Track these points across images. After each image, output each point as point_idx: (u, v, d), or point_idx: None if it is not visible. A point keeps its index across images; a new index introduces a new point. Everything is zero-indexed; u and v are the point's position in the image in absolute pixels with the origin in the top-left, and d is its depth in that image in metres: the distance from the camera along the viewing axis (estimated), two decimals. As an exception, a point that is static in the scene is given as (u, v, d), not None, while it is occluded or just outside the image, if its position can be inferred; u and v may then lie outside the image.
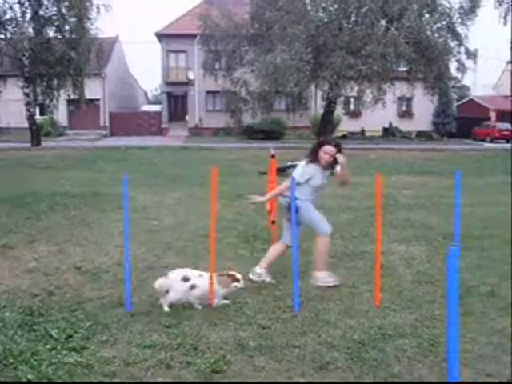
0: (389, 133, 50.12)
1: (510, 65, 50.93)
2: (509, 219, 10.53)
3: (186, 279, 5.66)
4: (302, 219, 6.60)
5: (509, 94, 60.82)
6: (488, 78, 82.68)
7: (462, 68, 36.18)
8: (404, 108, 52.86)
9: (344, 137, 46.23)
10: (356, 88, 35.47)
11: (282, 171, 16.15)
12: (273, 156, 8.79)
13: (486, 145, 45.06)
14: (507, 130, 49.59)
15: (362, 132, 49.66)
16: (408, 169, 21.76)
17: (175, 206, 12.08)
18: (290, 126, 45.15)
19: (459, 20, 35.06)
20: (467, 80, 64.06)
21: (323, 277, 6.53)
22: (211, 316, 5.44)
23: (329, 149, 6.58)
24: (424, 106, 47.95)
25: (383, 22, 34.54)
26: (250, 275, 6.62)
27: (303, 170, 6.63)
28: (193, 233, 9.17)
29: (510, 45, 39.49)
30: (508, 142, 48.24)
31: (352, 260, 7.40)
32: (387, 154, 31.02)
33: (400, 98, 46.41)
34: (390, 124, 50.59)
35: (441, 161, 26.57)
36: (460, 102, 59.58)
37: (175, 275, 5.73)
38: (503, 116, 54.31)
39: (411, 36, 32.31)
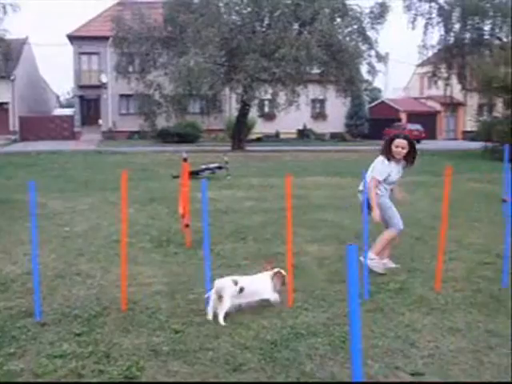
0: (303, 135, 50.85)
1: (418, 68, 52.64)
2: (416, 217, 10.87)
3: (235, 283, 5.67)
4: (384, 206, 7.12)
5: (418, 96, 62.97)
6: (398, 80, 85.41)
7: (372, 71, 37.16)
8: (318, 110, 53.76)
9: (259, 139, 46.63)
10: (270, 91, 35.84)
11: (196, 174, 16.17)
12: (185, 159, 8.76)
13: (397, 145, 46.22)
14: (417, 130, 51.13)
15: (277, 134, 50.14)
16: (322, 170, 22.10)
17: (88, 211, 11.85)
18: (205, 128, 45.20)
19: (369, 24, 35.98)
20: (379, 83, 65.94)
21: (374, 260, 6.96)
22: (124, 322, 5.36)
23: (399, 141, 7.08)
24: (337, 108, 48.85)
25: (296, 26, 35.09)
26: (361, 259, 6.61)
27: (382, 168, 7.06)
28: (105, 238, 9.02)
29: (418, 49, 41.13)
30: (418, 142, 49.77)
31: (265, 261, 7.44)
32: (302, 156, 31.46)
33: (313, 101, 47.32)
34: (305, 126, 51.34)
35: (354, 161, 27.06)
36: (372, 104, 61.05)
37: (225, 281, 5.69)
38: (413, 117, 56.01)
39: (323, 39, 32.89)
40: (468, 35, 39.48)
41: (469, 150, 33.90)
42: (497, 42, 38.98)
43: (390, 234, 7.23)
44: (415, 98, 63.61)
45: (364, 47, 36.14)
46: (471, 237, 9.28)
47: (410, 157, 7.19)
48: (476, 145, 34.47)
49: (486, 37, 39.46)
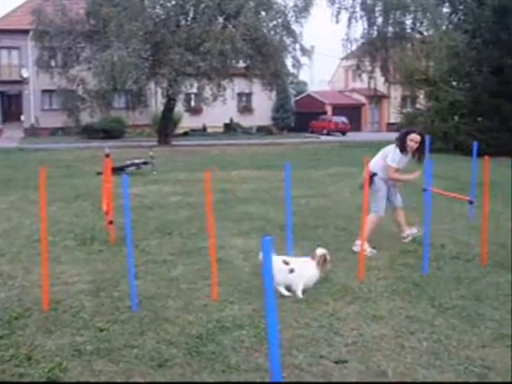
0: (230, 128, 50.86)
1: (343, 61, 53.44)
2: (340, 208, 11.03)
3: (286, 263, 6.02)
4: (374, 189, 7.83)
5: (343, 89, 63.89)
6: (324, 74, 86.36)
7: (297, 64, 37.40)
8: (244, 104, 53.85)
9: (185, 134, 46.39)
10: (196, 85, 35.69)
11: (120, 170, 15.92)
12: (107, 155, 8.63)
13: (324, 137, 46.92)
14: (342, 123, 51.98)
15: (204, 128, 50.00)
16: (248, 163, 22.16)
17: (8, 210, 11.47)
18: (131, 124, 44.64)
19: (294, 18, 36.22)
20: (304, 76, 66.49)
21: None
22: (46, 323, 5.24)
23: (414, 136, 7.84)
24: (263, 102, 48.98)
25: (221, 19, 34.94)
26: (354, 248, 7.69)
27: (397, 157, 7.88)
28: (27, 238, 8.75)
29: (342, 42, 41.78)
30: (343, 134, 50.62)
31: (190, 256, 7.41)
32: (229, 150, 31.48)
33: (240, 94, 47.33)
34: (231, 120, 51.36)
35: (280, 154, 27.28)
36: (298, 98, 61.53)
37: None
38: (338, 110, 56.83)
39: (248, 33, 32.93)
40: (390, 29, 40.33)
41: (393, 141, 34.53)
42: (418, 35, 39.98)
43: (372, 219, 7.81)
44: (340, 91, 64.54)
45: (289, 41, 36.34)
46: (394, 226, 9.46)
47: (419, 152, 7.93)
48: (399, 136, 35.19)
49: (408, 31, 40.42)
